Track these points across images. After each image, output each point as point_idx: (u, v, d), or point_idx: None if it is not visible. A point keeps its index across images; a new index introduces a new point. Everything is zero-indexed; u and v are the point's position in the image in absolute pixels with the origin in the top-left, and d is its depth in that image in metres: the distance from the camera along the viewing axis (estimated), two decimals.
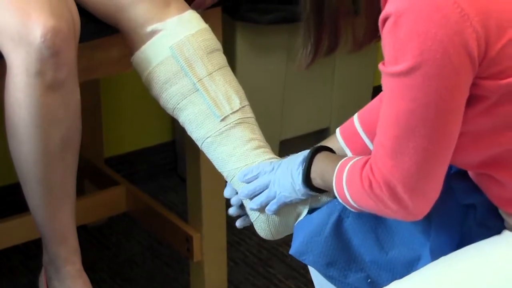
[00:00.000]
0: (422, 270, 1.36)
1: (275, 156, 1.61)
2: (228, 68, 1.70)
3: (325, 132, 2.80)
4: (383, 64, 1.23)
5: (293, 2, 2.53)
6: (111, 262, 2.43)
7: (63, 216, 1.71)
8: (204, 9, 1.85)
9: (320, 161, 1.43)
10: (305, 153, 1.45)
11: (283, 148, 2.66)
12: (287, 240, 1.54)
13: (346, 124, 1.57)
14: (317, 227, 1.45)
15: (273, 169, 1.51)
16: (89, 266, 1.88)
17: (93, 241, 2.51)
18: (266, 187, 1.51)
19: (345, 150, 1.53)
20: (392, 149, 1.24)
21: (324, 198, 1.49)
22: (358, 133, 1.53)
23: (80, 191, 2.26)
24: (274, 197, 1.49)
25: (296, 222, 1.52)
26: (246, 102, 1.67)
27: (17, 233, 2.10)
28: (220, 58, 1.69)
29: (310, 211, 1.51)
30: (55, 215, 1.71)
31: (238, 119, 1.63)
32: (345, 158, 1.39)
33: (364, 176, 1.29)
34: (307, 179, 1.42)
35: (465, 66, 1.19)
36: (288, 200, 1.48)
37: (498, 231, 1.36)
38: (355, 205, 1.35)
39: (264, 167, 1.52)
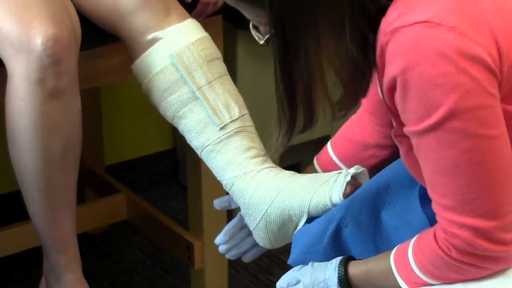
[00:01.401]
0: None
1: (274, 165, 1.61)
2: (228, 77, 1.71)
3: (326, 140, 2.79)
4: (411, 125, 1.20)
5: None
6: (112, 270, 2.43)
7: (64, 224, 1.71)
8: (205, 17, 1.86)
9: (356, 268, 1.37)
10: (330, 272, 1.39)
11: (283, 156, 2.66)
12: (287, 248, 1.54)
13: (321, 154, 1.59)
14: (315, 236, 1.45)
15: None
16: (90, 273, 1.88)
17: (94, 249, 2.51)
18: None
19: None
20: (462, 201, 1.20)
21: (321, 206, 1.50)
22: (335, 163, 1.56)
23: (81, 199, 2.27)
24: None
25: (295, 231, 1.52)
26: (246, 111, 1.68)
27: (17, 241, 2.10)
28: (220, 67, 1.70)
29: (309, 220, 1.51)
30: (55, 222, 1.71)
31: (237, 127, 1.63)
32: (394, 250, 1.33)
33: (445, 246, 1.23)
34: None
35: (493, 84, 1.17)
36: None
37: None
38: (437, 284, 1.29)
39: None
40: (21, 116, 1.59)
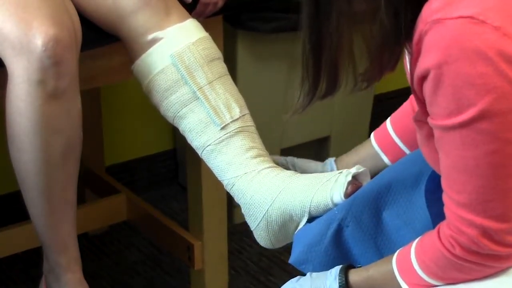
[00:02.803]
0: None
1: (275, 165, 1.61)
2: (229, 77, 1.71)
3: (326, 141, 2.80)
4: (438, 118, 1.19)
5: (295, 11, 2.54)
6: (112, 271, 2.43)
7: (64, 225, 1.71)
8: (205, 17, 1.85)
9: (357, 275, 1.36)
10: (331, 282, 1.38)
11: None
12: (288, 248, 1.54)
13: (379, 129, 1.56)
14: (316, 236, 1.45)
15: None
16: (90, 274, 1.88)
17: (94, 249, 2.51)
18: None
19: (381, 156, 1.53)
20: (476, 201, 1.19)
21: (322, 206, 1.50)
22: (393, 140, 1.52)
23: (81, 199, 2.27)
24: None
25: (296, 231, 1.52)
26: (246, 111, 1.68)
27: (17, 241, 2.10)
28: (221, 67, 1.70)
29: (310, 220, 1.51)
30: (55, 223, 1.70)
31: (238, 127, 1.64)
32: (396, 254, 1.32)
33: (449, 244, 1.23)
34: None
35: None
36: None
37: None
38: (440, 285, 1.28)
39: None
40: (21, 117, 1.59)
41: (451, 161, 1.20)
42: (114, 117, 2.65)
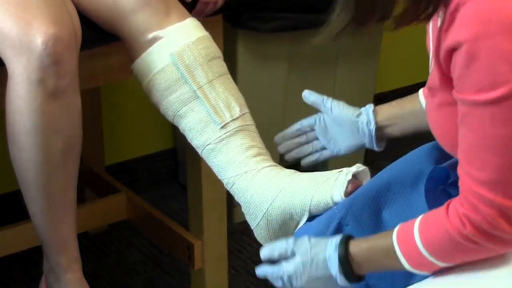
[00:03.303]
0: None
1: (275, 164, 1.61)
2: (229, 76, 1.71)
3: None
4: (466, 93, 1.17)
5: (295, 10, 2.54)
6: (112, 270, 2.43)
7: (64, 224, 1.71)
8: (205, 16, 1.85)
9: (357, 247, 1.34)
10: (330, 252, 1.35)
11: (283, 156, 2.66)
12: None
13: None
14: (316, 235, 1.44)
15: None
16: (90, 274, 1.88)
17: (94, 249, 2.51)
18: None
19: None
20: (498, 180, 1.17)
21: (322, 204, 1.50)
22: None
23: (81, 199, 2.26)
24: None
25: (296, 230, 1.52)
26: (246, 110, 1.68)
27: (17, 240, 2.10)
28: (220, 66, 1.70)
29: (310, 219, 1.51)
30: (55, 222, 1.70)
31: (238, 126, 1.64)
32: (396, 229, 1.30)
33: (458, 221, 1.21)
34: (350, 274, 1.33)
35: None
36: None
37: None
38: (440, 264, 1.26)
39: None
40: (21, 116, 1.59)
41: (476, 137, 1.18)
42: (114, 117, 2.65)
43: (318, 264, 1.36)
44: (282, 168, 1.61)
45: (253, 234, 1.60)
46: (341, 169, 1.52)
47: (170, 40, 1.67)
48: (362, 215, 1.43)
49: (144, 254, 2.50)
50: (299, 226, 1.52)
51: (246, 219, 1.60)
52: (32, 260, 2.38)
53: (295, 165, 2.77)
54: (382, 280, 1.41)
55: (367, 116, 1.56)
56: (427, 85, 1.32)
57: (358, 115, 1.57)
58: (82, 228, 2.13)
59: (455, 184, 1.38)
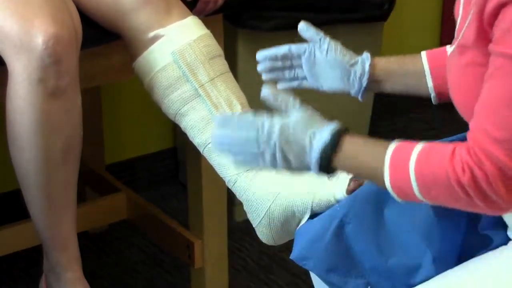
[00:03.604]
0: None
1: None
2: (230, 74, 1.71)
3: None
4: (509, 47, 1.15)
5: (295, 9, 2.54)
6: (112, 269, 2.43)
7: (64, 223, 1.71)
8: (205, 15, 1.86)
9: (350, 143, 1.27)
10: (322, 135, 1.27)
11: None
12: (288, 247, 1.54)
13: (435, 50, 1.49)
14: (318, 232, 1.45)
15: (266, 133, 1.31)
16: (90, 273, 1.88)
17: (94, 248, 2.51)
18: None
19: (426, 77, 1.47)
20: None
21: (324, 202, 1.49)
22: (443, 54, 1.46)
23: (81, 198, 2.27)
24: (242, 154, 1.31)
25: (298, 227, 1.52)
26: (248, 108, 1.68)
27: (17, 239, 2.10)
28: (222, 64, 1.70)
29: (312, 216, 1.51)
30: (56, 222, 1.70)
31: None
32: (395, 143, 1.25)
33: (460, 168, 1.18)
34: (325, 160, 1.27)
35: None
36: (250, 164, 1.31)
37: (501, 242, 1.35)
38: (419, 197, 1.23)
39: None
40: (22, 115, 1.59)
41: (503, 92, 1.17)
42: (114, 116, 2.65)
43: (298, 143, 1.28)
44: None
45: (254, 232, 1.60)
46: None
47: (171, 38, 1.67)
48: (364, 213, 1.42)
49: (144, 254, 2.50)
50: (301, 224, 1.52)
51: (248, 217, 1.60)
52: (32, 260, 2.38)
53: None
54: (383, 279, 1.41)
55: (362, 68, 1.51)
56: (456, 43, 1.29)
57: (353, 65, 1.52)
58: (82, 227, 2.13)
59: None
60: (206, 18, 1.83)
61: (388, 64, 1.52)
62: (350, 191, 1.47)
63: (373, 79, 1.51)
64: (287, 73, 1.57)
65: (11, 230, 2.10)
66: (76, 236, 1.75)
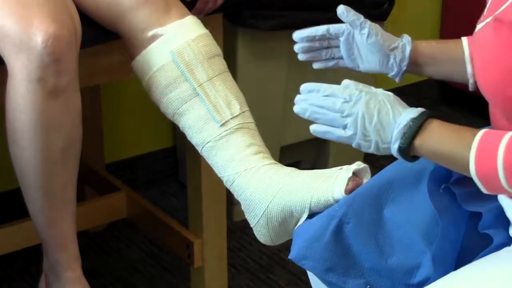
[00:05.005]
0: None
1: (275, 162, 1.61)
2: (228, 74, 1.71)
3: (325, 139, 2.79)
4: None
5: (294, 8, 2.54)
6: (112, 268, 2.43)
7: (64, 222, 1.71)
8: (205, 15, 1.86)
9: (438, 125, 1.26)
10: (407, 114, 1.27)
11: (284, 154, 2.66)
12: (288, 246, 1.53)
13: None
14: (317, 232, 1.44)
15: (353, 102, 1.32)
16: (90, 272, 1.88)
17: (94, 247, 2.51)
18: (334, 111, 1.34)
19: (466, 65, 1.46)
20: None
21: (322, 202, 1.49)
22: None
23: (81, 197, 2.27)
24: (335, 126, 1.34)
25: (296, 227, 1.52)
26: (246, 108, 1.68)
27: (17, 238, 2.10)
28: (220, 63, 1.70)
29: (310, 216, 1.51)
30: (55, 221, 1.71)
31: (238, 124, 1.64)
32: (483, 131, 1.22)
33: None
34: (408, 138, 1.26)
35: None
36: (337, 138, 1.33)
37: (501, 241, 1.34)
38: (507, 188, 1.19)
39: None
40: (21, 114, 1.59)
41: None
42: (114, 115, 2.65)
43: (392, 108, 1.29)
44: (282, 166, 1.61)
45: (253, 232, 1.60)
46: (341, 167, 1.52)
47: (170, 37, 1.67)
48: (363, 213, 1.42)
49: (144, 252, 2.50)
50: (299, 223, 1.52)
51: (246, 217, 1.60)
52: (32, 258, 2.38)
53: (295, 163, 2.77)
54: (382, 279, 1.41)
55: (402, 54, 1.52)
56: (493, 17, 1.26)
57: (393, 49, 1.52)
58: (82, 226, 2.13)
59: (457, 182, 1.38)
60: (206, 17, 1.83)
61: (431, 49, 1.52)
62: (349, 191, 1.47)
63: (413, 63, 1.52)
64: (324, 54, 1.57)
65: (11, 229, 2.10)
66: (75, 235, 1.75)
